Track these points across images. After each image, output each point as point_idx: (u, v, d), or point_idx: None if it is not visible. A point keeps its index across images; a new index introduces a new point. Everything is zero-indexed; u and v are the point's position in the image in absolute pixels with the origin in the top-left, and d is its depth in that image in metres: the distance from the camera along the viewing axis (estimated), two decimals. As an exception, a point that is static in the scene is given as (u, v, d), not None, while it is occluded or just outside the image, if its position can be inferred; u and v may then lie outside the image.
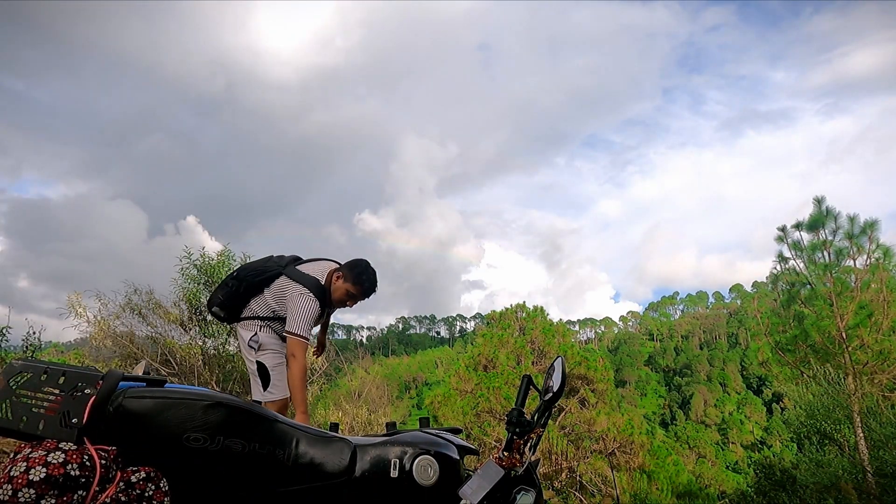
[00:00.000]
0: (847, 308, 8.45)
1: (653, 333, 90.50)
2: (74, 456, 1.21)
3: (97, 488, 1.21)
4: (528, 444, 1.78)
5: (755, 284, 75.76)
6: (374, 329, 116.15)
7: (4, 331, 6.24)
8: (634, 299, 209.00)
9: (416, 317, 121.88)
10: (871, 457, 7.90)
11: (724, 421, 62.11)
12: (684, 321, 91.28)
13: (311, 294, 2.62)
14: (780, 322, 9.75)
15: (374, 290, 2.72)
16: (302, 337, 2.57)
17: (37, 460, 1.18)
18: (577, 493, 11.82)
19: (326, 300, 2.72)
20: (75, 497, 1.18)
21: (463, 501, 1.57)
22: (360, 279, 2.65)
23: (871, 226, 8.52)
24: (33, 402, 1.30)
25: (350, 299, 2.68)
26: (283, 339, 2.72)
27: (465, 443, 1.90)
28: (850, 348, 8.49)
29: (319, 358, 7.74)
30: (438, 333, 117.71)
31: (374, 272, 2.73)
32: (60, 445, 1.23)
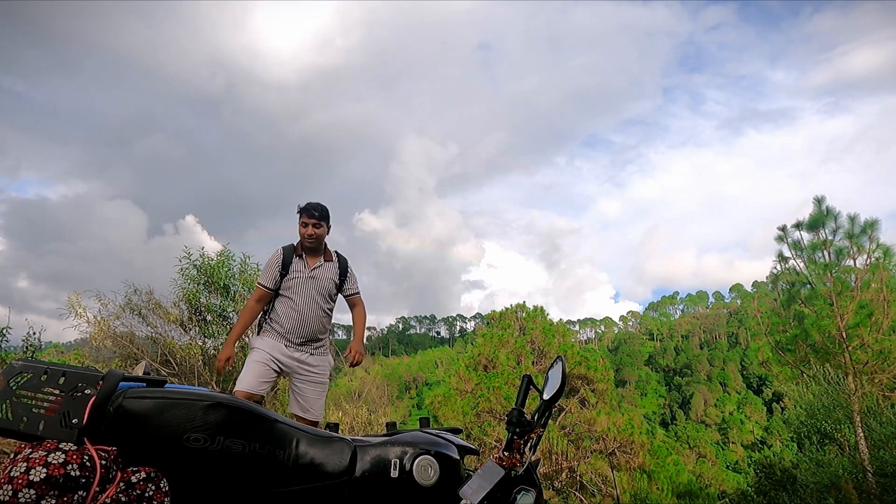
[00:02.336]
0: (847, 308, 8.44)
1: (653, 333, 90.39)
2: (75, 456, 1.21)
3: (97, 489, 1.21)
4: (529, 444, 1.78)
5: (755, 284, 75.70)
6: (374, 329, 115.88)
7: (4, 331, 6.23)
8: (634, 299, 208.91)
9: (416, 317, 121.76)
10: (871, 456, 7.89)
11: (725, 421, 62.05)
12: (684, 321, 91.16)
13: (278, 250, 3.10)
14: (780, 322, 9.73)
15: (316, 206, 3.02)
16: (258, 284, 3.10)
17: (37, 461, 1.18)
18: (577, 493, 11.81)
19: (296, 252, 3.10)
20: (75, 497, 1.18)
21: (463, 501, 1.57)
22: (300, 210, 3.04)
23: (871, 225, 8.50)
24: (33, 402, 1.30)
25: (304, 227, 3.03)
26: (266, 337, 3.08)
27: (465, 443, 1.90)
28: (850, 348, 8.48)
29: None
30: (438, 333, 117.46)
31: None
32: (61, 446, 1.23)
